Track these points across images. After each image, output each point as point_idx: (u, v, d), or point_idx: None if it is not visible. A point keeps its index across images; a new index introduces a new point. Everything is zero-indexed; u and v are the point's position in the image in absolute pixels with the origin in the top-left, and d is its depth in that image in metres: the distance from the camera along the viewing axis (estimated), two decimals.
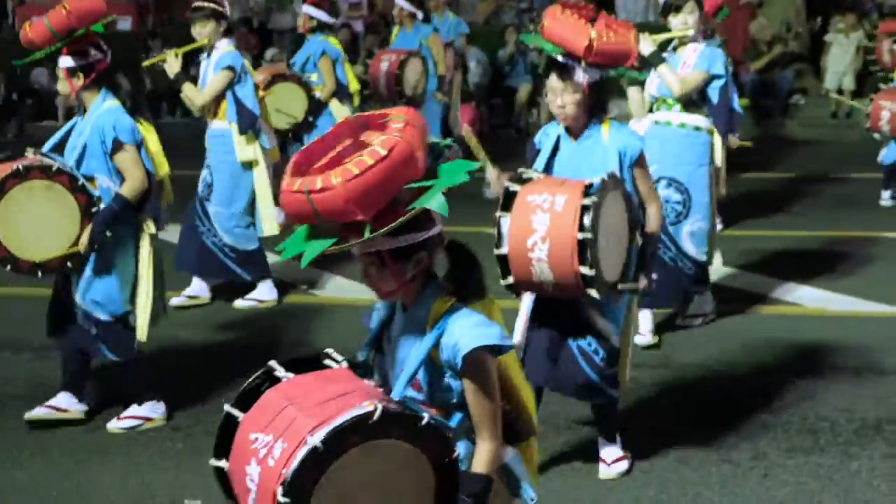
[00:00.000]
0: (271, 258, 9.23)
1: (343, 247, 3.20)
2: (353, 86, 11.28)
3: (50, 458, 6.38)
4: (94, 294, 6.53)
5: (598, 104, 5.61)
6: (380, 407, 3.10)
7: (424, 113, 12.91)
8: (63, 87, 6.51)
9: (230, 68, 8.53)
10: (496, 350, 3.32)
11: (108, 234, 6.36)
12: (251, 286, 9.04)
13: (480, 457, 3.38)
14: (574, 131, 5.66)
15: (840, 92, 17.09)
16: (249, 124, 8.61)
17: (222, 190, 8.75)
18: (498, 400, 3.37)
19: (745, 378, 7.16)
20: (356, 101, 11.45)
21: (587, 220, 5.15)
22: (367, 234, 3.16)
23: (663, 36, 7.72)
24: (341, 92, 11.24)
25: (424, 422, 3.19)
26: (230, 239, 8.80)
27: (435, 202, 3.14)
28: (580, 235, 5.15)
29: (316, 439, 3.03)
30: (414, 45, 12.82)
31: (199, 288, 9.05)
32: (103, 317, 6.55)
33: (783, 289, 8.97)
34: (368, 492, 3.16)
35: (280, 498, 3.01)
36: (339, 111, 11.31)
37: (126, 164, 6.37)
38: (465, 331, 3.31)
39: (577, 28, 5.49)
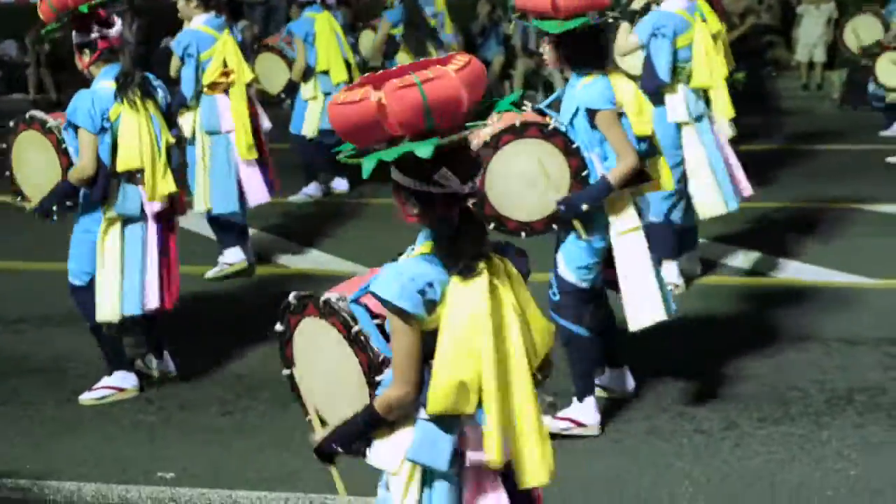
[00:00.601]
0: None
1: (342, 156, 3.38)
2: (321, 66, 11.12)
3: (22, 431, 6.36)
4: (70, 258, 6.66)
5: (574, 55, 5.84)
6: (324, 296, 3.63)
7: None
8: (77, 62, 6.59)
9: (174, 51, 8.66)
10: (397, 307, 3.33)
11: (54, 208, 6.56)
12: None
13: (383, 393, 3.46)
14: (567, 79, 5.97)
15: (811, 65, 17.13)
16: (178, 104, 8.61)
17: None
18: (406, 352, 3.36)
19: (717, 348, 7.18)
20: (335, 79, 11.25)
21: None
22: (340, 157, 3.35)
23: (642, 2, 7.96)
24: (307, 71, 11.17)
25: (354, 330, 3.54)
26: None
27: (367, 163, 3.22)
28: None
29: (293, 297, 3.77)
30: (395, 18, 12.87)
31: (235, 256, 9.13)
32: (72, 280, 6.65)
33: (754, 259, 9.01)
34: (324, 361, 3.68)
35: (277, 327, 3.85)
36: (304, 89, 11.27)
37: (79, 145, 6.44)
38: (384, 272, 3.37)
39: None
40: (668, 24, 7.87)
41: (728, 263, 8.93)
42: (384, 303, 3.33)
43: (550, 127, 5.79)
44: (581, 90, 5.83)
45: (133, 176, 6.49)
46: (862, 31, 13.57)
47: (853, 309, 7.86)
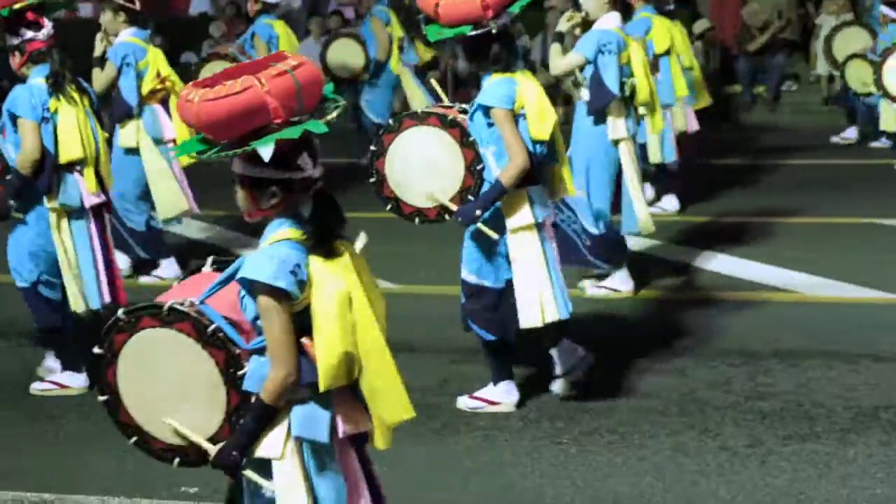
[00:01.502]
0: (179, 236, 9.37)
1: (196, 155, 3.55)
2: None
3: (46, 444, 6.37)
4: (10, 260, 6.81)
5: (477, 58, 6.19)
6: (169, 303, 3.67)
7: (367, 93, 13.20)
8: (11, 63, 6.78)
9: (111, 61, 8.75)
10: (272, 288, 3.49)
11: (12, 203, 6.70)
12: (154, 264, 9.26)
13: (265, 383, 3.58)
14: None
15: (831, 78, 17.05)
16: (122, 114, 8.77)
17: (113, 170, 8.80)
18: (282, 332, 3.53)
19: (741, 365, 7.15)
20: None
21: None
22: (208, 154, 3.50)
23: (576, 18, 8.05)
24: None
25: (211, 329, 3.64)
26: (124, 217, 8.95)
27: (264, 148, 3.39)
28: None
29: (122, 313, 3.72)
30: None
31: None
32: (17, 283, 6.81)
33: (778, 275, 8.97)
34: (167, 375, 3.71)
35: (95, 349, 3.76)
36: None
37: (21, 135, 6.58)
38: (252, 258, 3.55)
39: None
40: (612, 40, 7.93)
41: (752, 280, 8.90)
42: (257, 286, 3.50)
43: (450, 118, 6.11)
44: (484, 88, 6.13)
45: (73, 167, 6.66)
46: (851, 42, 13.47)
47: (879, 325, 7.82)
